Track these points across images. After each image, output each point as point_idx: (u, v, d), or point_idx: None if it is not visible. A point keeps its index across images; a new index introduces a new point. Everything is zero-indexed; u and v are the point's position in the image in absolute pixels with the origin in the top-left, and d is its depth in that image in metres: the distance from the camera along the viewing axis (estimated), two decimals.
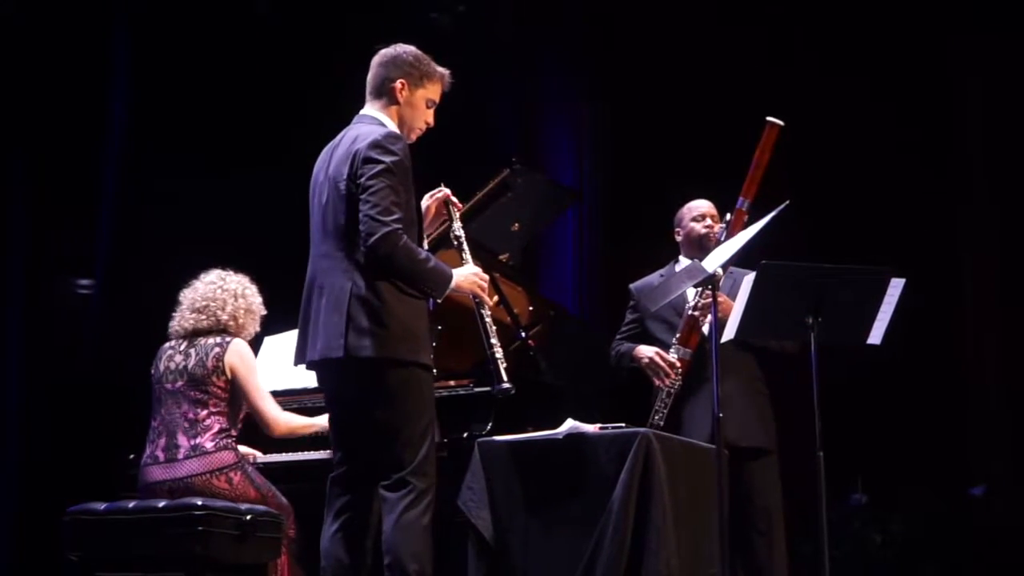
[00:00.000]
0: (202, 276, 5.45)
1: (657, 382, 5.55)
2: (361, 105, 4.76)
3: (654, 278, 5.85)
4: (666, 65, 8.11)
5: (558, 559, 4.64)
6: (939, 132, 7.66)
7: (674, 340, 5.59)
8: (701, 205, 5.81)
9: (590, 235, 8.11)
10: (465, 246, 4.86)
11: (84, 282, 7.66)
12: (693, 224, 5.76)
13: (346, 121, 4.76)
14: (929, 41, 7.67)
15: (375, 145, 4.51)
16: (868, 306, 4.95)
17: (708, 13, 7.94)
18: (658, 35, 8.13)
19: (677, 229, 5.84)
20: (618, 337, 5.89)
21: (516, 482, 4.79)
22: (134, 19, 7.60)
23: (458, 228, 4.89)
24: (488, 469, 4.83)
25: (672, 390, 5.52)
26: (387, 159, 4.49)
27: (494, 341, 4.74)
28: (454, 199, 4.91)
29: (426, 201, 4.88)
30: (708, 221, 5.74)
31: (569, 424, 4.83)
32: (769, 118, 5.61)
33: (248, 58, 7.80)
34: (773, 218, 4.94)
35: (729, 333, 5.02)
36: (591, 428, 4.80)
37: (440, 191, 4.91)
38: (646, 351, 5.63)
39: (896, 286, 4.96)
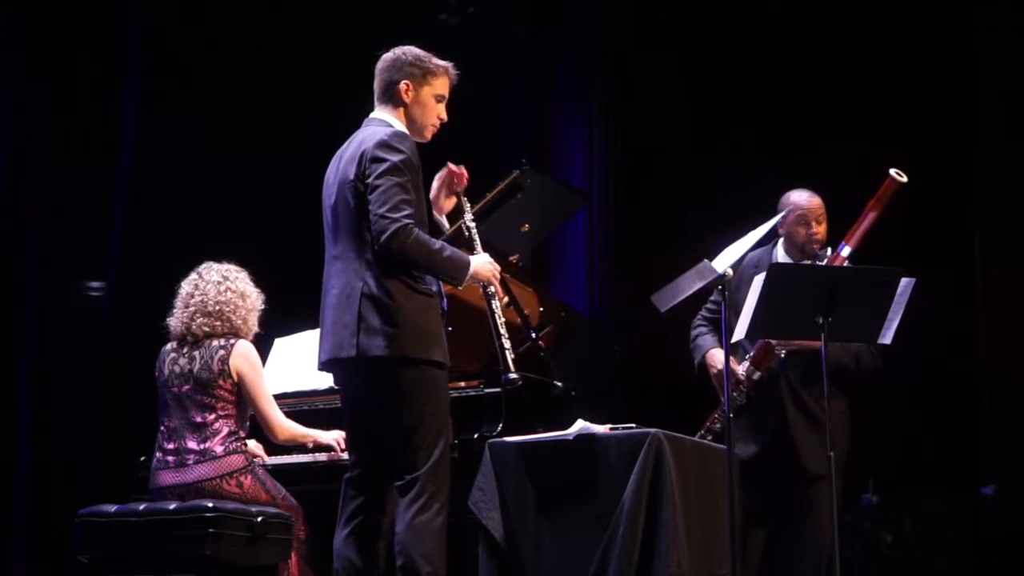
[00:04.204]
0: (202, 272, 5.36)
1: (721, 396, 5.48)
2: (370, 109, 4.77)
3: (751, 257, 5.48)
4: (677, 63, 8.10)
5: (569, 560, 4.64)
6: (955, 131, 7.62)
7: (747, 357, 5.51)
8: (807, 203, 5.51)
9: (601, 236, 8.09)
10: (476, 238, 4.85)
11: (96, 285, 7.67)
12: (797, 228, 5.51)
13: (361, 113, 4.78)
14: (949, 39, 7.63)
15: (382, 144, 4.52)
16: (879, 306, 4.93)
17: (721, 9, 7.92)
18: (669, 33, 8.11)
19: (780, 221, 5.45)
20: (701, 315, 5.78)
21: (527, 483, 4.79)
22: (147, 25, 7.61)
23: (469, 219, 4.87)
24: (499, 470, 4.83)
25: (737, 404, 5.44)
26: (394, 157, 4.49)
27: (503, 331, 4.76)
28: (459, 170, 4.82)
29: (435, 184, 4.84)
30: (813, 228, 5.48)
31: (579, 425, 4.83)
32: (893, 171, 5.34)
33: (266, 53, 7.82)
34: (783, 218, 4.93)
35: (739, 334, 5.01)
36: (601, 429, 4.79)
37: (445, 168, 4.86)
38: (718, 361, 5.55)
39: (907, 286, 4.95)
